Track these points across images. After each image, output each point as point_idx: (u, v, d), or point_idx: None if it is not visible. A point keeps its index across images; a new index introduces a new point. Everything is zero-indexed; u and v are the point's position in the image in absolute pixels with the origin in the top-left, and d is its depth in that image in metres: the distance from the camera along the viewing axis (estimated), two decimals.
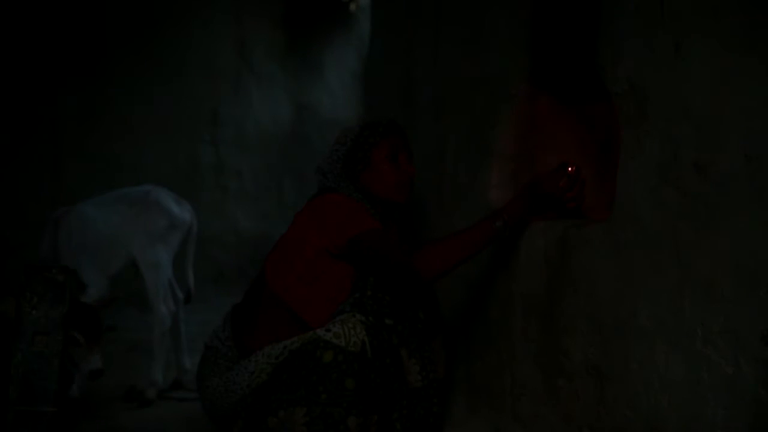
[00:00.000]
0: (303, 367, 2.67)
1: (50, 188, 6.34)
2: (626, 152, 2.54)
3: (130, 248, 4.11)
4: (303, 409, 2.63)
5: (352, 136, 3.03)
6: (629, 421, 2.50)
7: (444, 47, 3.74)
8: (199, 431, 3.25)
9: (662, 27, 2.39)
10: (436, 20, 3.84)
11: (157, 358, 4.08)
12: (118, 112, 6.71)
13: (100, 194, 4.38)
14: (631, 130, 2.51)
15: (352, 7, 7.78)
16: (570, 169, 2.93)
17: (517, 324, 3.06)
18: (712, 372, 2.21)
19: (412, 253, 2.85)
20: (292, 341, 2.74)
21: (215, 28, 7.19)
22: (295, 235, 2.94)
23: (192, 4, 7.04)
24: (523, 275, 3.04)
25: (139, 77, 6.77)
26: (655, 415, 2.40)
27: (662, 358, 2.37)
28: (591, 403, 2.67)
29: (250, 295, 3.00)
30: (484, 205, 3.31)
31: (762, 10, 2.11)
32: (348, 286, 2.87)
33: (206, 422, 3.00)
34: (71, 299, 2.95)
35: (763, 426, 2.10)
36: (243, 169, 7.33)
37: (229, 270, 7.11)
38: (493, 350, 3.22)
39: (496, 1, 3.33)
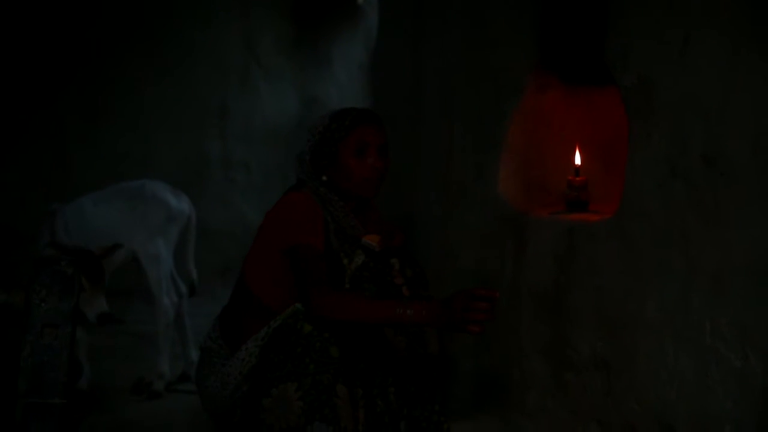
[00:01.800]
0: (287, 342, 2.69)
1: (58, 182, 6.34)
2: (634, 145, 2.54)
3: (129, 243, 4.12)
4: (294, 384, 2.65)
5: (320, 128, 2.97)
6: (637, 414, 2.50)
7: (451, 40, 3.74)
8: (206, 424, 3.26)
9: (671, 20, 2.39)
10: (444, 13, 3.83)
11: (162, 350, 4.08)
12: (125, 106, 6.70)
13: (96, 190, 4.39)
14: (640, 122, 2.51)
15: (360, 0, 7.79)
16: (491, 296, 2.51)
17: (525, 318, 3.07)
18: (721, 365, 2.22)
19: (324, 287, 2.76)
20: (275, 320, 2.77)
21: (223, 21, 7.18)
22: (263, 233, 2.95)
23: None
24: (531, 270, 3.04)
25: (146, 71, 6.76)
26: (663, 408, 2.40)
27: (670, 351, 2.37)
28: (599, 397, 2.67)
29: (235, 292, 3.02)
30: (490, 199, 3.30)
31: None
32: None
33: None
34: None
35: None
36: (250, 162, 7.33)
37: (236, 263, 7.09)
38: (501, 344, 3.22)
39: None
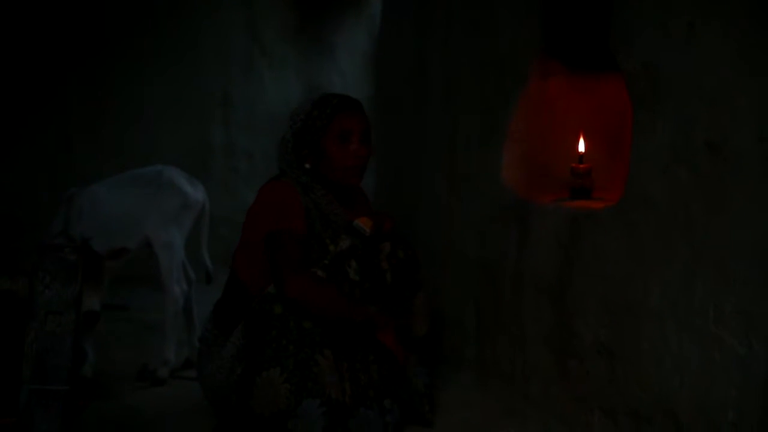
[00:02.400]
0: (263, 324, 2.73)
1: (62, 170, 6.34)
2: (638, 132, 2.53)
3: (144, 229, 4.12)
4: (277, 368, 2.69)
5: (302, 115, 2.98)
6: (640, 401, 2.50)
7: (455, 27, 3.73)
8: (208, 410, 3.27)
9: (676, 6, 2.38)
10: (448, 0, 3.82)
11: (169, 338, 4.08)
12: (129, 94, 6.70)
13: (115, 174, 4.39)
14: (644, 110, 2.50)
15: None
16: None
17: (529, 305, 3.07)
18: (724, 352, 2.21)
19: (300, 272, 2.80)
20: (255, 301, 2.80)
21: (226, 9, 7.16)
22: (246, 224, 2.97)
23: None
24: (535, 257, 3.04)
25: (149, 58, 6.75)
26: (666, 395, 2.40)
27: (674, 338, 2.37)
28: (602, 384, 2.67)
29: (228, 282, 3.04)
30: (494, 186, 3.30)
31: None
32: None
33: None
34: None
35: None
36: (254, 151, 7.32)
37: None
38: (504, 331, 3.22)
39: None
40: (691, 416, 2.31)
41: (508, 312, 3.19)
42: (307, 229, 2.88)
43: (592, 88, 3.23)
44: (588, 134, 3.15)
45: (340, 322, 2.81)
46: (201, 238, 4.41)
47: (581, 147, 3.12)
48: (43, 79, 6.36)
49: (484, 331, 3.37)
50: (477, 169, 3.46)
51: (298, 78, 7.60)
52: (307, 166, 2.97)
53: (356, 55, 7.87)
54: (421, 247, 3.66)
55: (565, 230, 2.87)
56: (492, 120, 3.35)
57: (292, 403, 2.69)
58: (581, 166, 3.07)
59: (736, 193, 2.19)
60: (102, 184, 4.22)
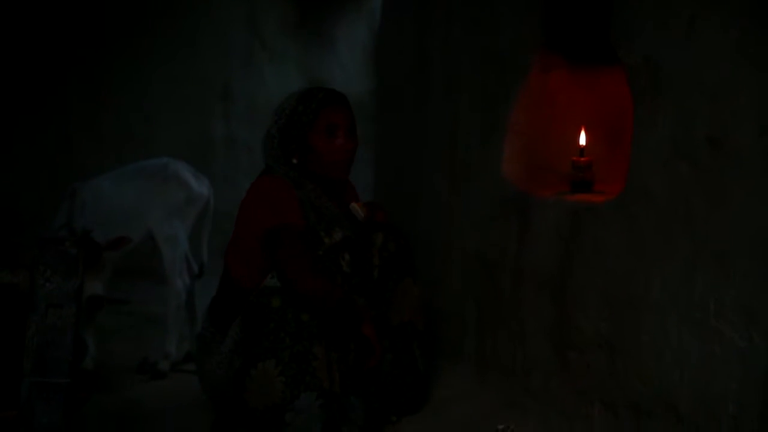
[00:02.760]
0: (261, 317, 2.73)
1: (63, 163, 6.36)
2: (639, 126, 2.53)
3: (147, 222, 4.11)
4: (272, 360, 2.69)
5: (288, 111, 2.98)
6: (641, 394, 2.50)
7: (456, 21, 3.72)
8: (209, 405, 3.28)
9: (676, 2, 2.38)
10: None
11: (171, 331, 4.09)
12: (130, 87, 6.71)
13: (116, 168, 4.39)
14: (645, 104, 2.50)
15: None
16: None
17: (529, 298, 3.07)
18: (725, 346, 2.22)
19: (314, 270, 2.82)
20: (253, 294, 2.81)
21: (226, 4, 7.16)
22: (240, 220, 2.97)
23: None
24: (535, 250, 3.04)
25: (150, 52, 6.76)
26: (666, 388, 2.40)
27: (674, 332, 2.37)
28: (602, 377, 2.67)
29: (222, 281, 3.05)
30: (495, 179, 3.30)
31: None
32: None
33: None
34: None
35: None
36: (254, 144, 7.32)
37: None
38: (504, 325, 3.22)
39: None
40: (691, 409, 2.32)
41: (509, 305, 3.19)
42: (303, 221, 2.89)
43: (593, 81, 3.23)
44: (589, 128, 3.15)
45: (334, 314, 2.81)
46: (202, 233, 4.41)
47: (582, 140, 3.12)
48: (43, 76, 6.37)
49: (484, 325, 3.37)
50: (477, 164, 3.46)
51: (299, 72, 7.60)
52: (295, 161, 2.97)
53: (356, 48, 7.87)
54: (422, 241, 3.67)
55: (566, 224, 2.87)
56: (493, 113, 3.34)
57: (288, 396, 2.69)
58: (582, 159, 3.07)
59: (737, 188, 2.19)
60: (105, 178, 4.22)
